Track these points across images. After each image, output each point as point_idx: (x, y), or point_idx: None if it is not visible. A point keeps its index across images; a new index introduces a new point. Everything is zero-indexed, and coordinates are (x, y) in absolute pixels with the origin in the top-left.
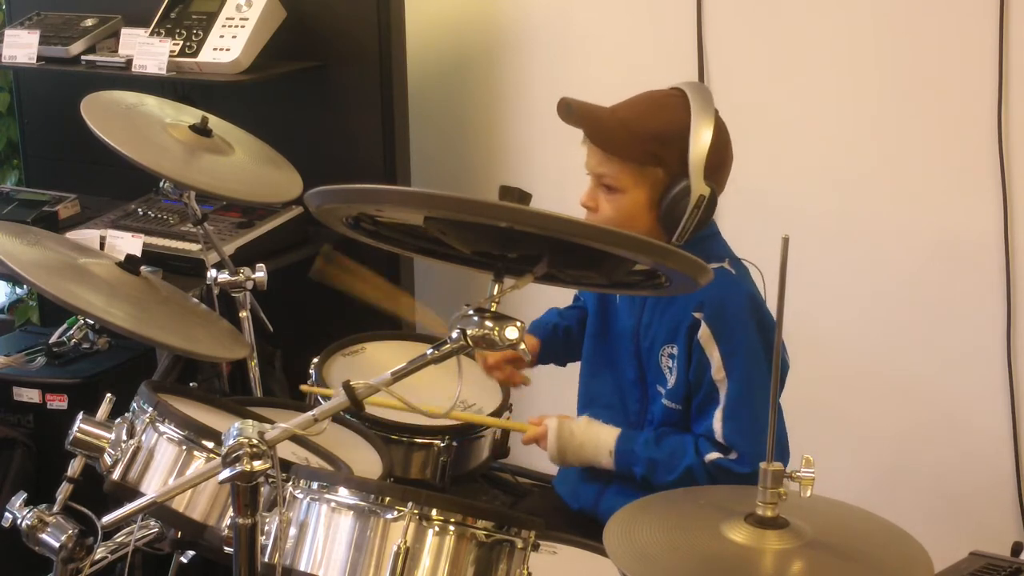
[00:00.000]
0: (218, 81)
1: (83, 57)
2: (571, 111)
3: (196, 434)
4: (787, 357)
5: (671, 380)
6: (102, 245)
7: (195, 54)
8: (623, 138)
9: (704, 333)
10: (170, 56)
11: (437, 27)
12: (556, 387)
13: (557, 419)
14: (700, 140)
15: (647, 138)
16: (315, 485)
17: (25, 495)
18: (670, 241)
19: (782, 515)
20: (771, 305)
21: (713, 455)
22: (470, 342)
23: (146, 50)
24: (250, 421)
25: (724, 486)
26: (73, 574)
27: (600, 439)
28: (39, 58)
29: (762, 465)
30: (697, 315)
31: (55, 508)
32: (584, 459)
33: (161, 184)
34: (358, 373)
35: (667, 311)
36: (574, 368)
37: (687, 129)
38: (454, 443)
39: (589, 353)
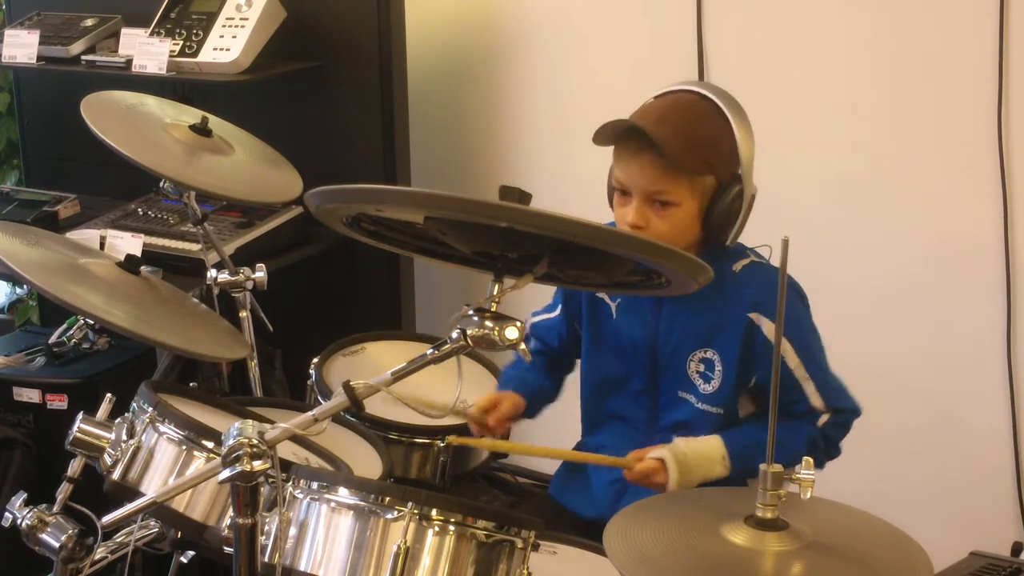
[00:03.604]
0: (218, 81)
1: (83, 57)
2: (629, 134)
3: (196, 434)
4: None
5: (707, 386)
6: (102, 245)
7: (195, 54)
8: (684, 151)
9: (771, 330)
10: (170, 56)
11: (437, 27)
12: (556, 406)
13: (668, 449)
14: (747, 140)
15: (702, 147)
16: (315, 485)
17: (25, 495)
18: (714, 245)
19: (782, 517)
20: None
21: (824, 418)
22: (470, 342)
23: (146, 50)
24: (250, 421)
25: (724, 487)
26: (73, 574)
27: (710, 451)
28: (39, 58)
29: (762, 467)
30: (753, 316)
31: (55, 508)
32: (701, 477)
33: (161, 184)
34: (358, 373)
35: (693, 317)
36: (572, 386)
37: (732, 132)
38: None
39: (588, 372)
